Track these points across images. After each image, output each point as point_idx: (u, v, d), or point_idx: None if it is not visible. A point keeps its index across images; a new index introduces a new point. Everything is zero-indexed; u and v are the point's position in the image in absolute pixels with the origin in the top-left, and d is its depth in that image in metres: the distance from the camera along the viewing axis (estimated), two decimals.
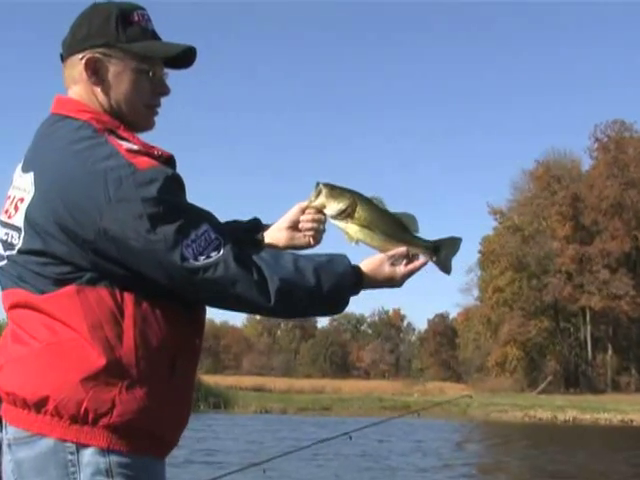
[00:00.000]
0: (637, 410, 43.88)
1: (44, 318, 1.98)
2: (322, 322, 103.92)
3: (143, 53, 2.13)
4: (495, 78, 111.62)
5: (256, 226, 2.40)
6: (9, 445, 2.00)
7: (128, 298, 1.98)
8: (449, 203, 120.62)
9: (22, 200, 2.04)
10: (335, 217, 2.28)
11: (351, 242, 2.28)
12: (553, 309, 68.16)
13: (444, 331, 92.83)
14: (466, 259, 70.47)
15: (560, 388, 63.79)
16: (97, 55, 2.11)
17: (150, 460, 2.04)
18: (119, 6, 2.14)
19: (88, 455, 1.94)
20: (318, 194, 2.29)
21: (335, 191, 2.27)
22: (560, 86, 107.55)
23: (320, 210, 2.30)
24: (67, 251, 1.96)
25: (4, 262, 2.07)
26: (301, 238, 2.36)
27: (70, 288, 1.97)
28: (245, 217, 2.43)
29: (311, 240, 2.36)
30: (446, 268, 2.35)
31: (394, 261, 2.23)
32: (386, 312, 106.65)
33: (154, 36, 2.18)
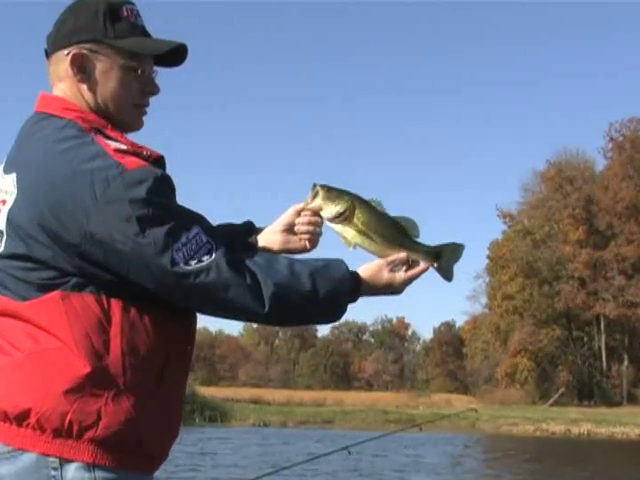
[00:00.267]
0: None
1: (26, 326, 1.98)
2: (322, 331, 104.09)
3: (132, 50, 2.13)
4: (505, 75, 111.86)
5: (249, 229, 2.41)
6: None
7: (115, 304, 1.98)
8: (455, 206, 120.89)
9: (4, 202, 2.04)
10: (332, 220, 2.28)
11: (349, 247, 2.28)
12: (565, 317, 68.12)
13: (450, 340, 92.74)
14: (474, 265, 70.57)
15: (573, 400, 63.76)
16: (84, 51, 2.11)
17: (137, 475, 2.03)
18: (107, 0, 2.14)
19: (72, 471, 1.94)
20: (315, 196, 2.29)
21: (332, 193, 2.28)
22: (573, 83, 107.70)
23: (317, 213, 2.31)
24: (51, 255, 1.96)
25: None
26: (296, 242, 2.36)
27: (54, 294, 1.97)
28: (238, 219, 2.44)
29: (307, 244, 2.36)
30: (447, 275, 2.35)
31: (393, 267, 2.24)
32: (389, 320, 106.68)
33: (143, 32, 2.18)
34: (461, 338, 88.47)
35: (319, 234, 2.37)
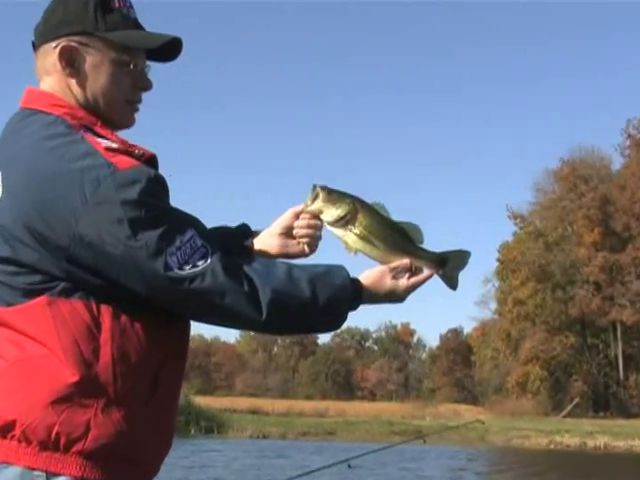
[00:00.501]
0: None
1: (11, 333, 1.99)
2: (323, 338, 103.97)
3: (124, 43, 2.13)
4: (517, 70, 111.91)
5: (244, 232, 2.42)
6: None
7: (105, 311, 1.98)
8: (464, 207, 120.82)
9: None
10: (333, 224, 2.29)
11: (350, 252, 2.29)
12: (580, 324, 68.03)
13: (458, 348, 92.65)
14: (483, 268, 70.52)
15: (588, 412, 63.63)
16: (73, 44, 2.12)
17: None
18: None
19: None
20: (315, 198, 2.30)
21: (333, 195, 2.29)
22: (588, 78, 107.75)
23: (316, 216, 2.32)
24: (38, 258, 1.97)
25: None
26: (295, 246, 2.37)
27: (41, 300, 1.97)
28: (233, 222, 2.45)
29: (306, 248, 2.37)
30: (452, 283, 2.37)
31: (396, 274, 2.26)
32: (394, 327, 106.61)
33: (136, 25, 2.19)
34: (469, 345, 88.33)
35: (319, 238, 2.38)
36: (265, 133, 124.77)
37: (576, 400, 64.60)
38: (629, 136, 68.66)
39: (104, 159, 1.97)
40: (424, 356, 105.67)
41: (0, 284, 2.01)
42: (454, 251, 2.37)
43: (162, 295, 1.98)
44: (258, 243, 2.39)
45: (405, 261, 2.27)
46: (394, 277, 2.25)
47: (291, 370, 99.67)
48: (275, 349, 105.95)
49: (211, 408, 47.04)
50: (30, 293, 1.98)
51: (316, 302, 2.08)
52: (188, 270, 1.95)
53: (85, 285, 1.98)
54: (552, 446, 43.74)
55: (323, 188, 2.30)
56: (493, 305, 74.53)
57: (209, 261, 1.97)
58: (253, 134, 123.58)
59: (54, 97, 2.14)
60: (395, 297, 2.26)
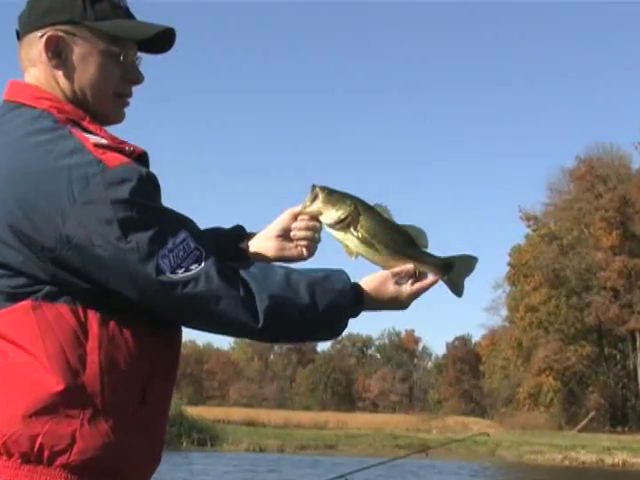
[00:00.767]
0: None
1: None
2: (322, 345, 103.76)
3: (114, 33, 2.14)
4: (531, 64, 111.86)
5: (239, 234, 2.43)
6: None
7: (93, 316, 1.99)
8: (472, 207, 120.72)
9: None
10: (333, 226, 2.30)
11: (350, 256, 2.30)
12: (597, 332, 67.98)
13: (466, 357, 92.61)
14: (493, 272, 70.55)
15: (605, 426, 63.55)
16: (60, 33, 2.12)
17: None
18: None
19: None
20: (314, 199, 2.31)
21: (334, 196, 2.30)
22: (605, 71, 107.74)
23: (315, 217, 2.33)
24: (22, 260, 1.97)
25: None
26: (292, 249, 2.39)
27: (25, 304, 1.98)
28: (227, 224, 2.46)
29: (304, 251, 2.38)
30: (458, 289, 2.38)
31: (399, 279, 2.27)
32: (397, 334, 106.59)
33: (127, 14, 2.20)
34: (478, 354, 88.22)
35: (317, 241, 2.39)
36: (262, 130, 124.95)
37: (592, 414, 64.55)
38: None
39: (93, 156, 1.97)
40: (430, 365, 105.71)
41: None
42: (460, 256, 2.39)
43: (153, 300, 1.99)
44: (253, 246, 2.40)
45: (408, 266, 2.29)
46: (397, 283, 2.26)
47: (288, 379, 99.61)
48: (271, 357, 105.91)
49: (204, 419, 46.97)
50: (13, 297, 1.98)
51: (315, 308, 2.09)
52: (181, 274, 1.96)
53: (72, 289, 1.99)
54: (567, 462, 43.60)
55: (323, 188, 2.31)
56: (504, 312, 74.47)
57: (203, 264, 1.98)
58: (249, 130, 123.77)
59: (39, 90, 2.15)
60: (398, 304, 2.28)
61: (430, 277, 2.32)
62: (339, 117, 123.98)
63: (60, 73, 2.15)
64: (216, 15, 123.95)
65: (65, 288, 1.98)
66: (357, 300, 2.19)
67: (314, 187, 2.31)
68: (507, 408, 72.85)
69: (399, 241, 2.31)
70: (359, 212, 2.29)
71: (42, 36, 2.13)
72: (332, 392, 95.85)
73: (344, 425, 60.03)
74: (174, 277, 1.95)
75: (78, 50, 2.14)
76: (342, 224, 2.29)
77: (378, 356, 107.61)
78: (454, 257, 2.37)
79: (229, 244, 2.36)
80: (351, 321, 2.20)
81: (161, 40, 2.22)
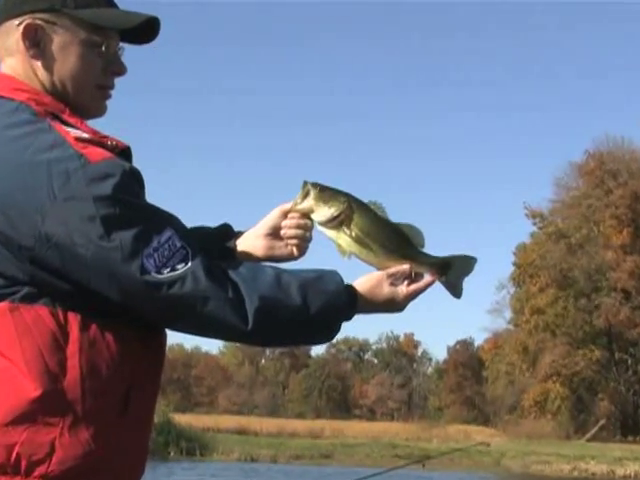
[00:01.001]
0: None
1: None
2: (317, 349, 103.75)
3: (95, 22, 2.15)
4: (534, 53, 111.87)
5: (227, 233, 2.44)
6: None
7: (73, 319, 2.00)
8: (475, 204, 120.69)
9: None
10: (325, 224, 2.32)
11: (343, 256, 2.32)
12: (606, 336, 67.93)
13: (468, 362, 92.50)
14: (497, 272, 70.58)
15: (615, 435, 63.58)
16: (39, 22, 2.13)
17: None
18: None
19: None
20: (305, 195, 2.32)
21: (326, 193, 2.31)
22: (615, 62, 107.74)
23: (307, 215, 2.34)
24: None
25: None
26: (282, 248, 2.40)
27: (2, 306, 1.99)
28: (213, 223, 2.47)
29: (294, 250, 2.40)
30: (456, 290, 2.40)
31: (394, 280, 2.28)
32: (396, 337, 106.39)
33: (109, 3, 2.21)
34: (480, 359, 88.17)
35: (309, 240, 2.40)
36: (252, 124, 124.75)
37: (602, 422, 64.55)
38: None
39: (74, 150, 1.99)
40: (430, 370, 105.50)
41: None
42: (458, 256, 2.41)
43: (137, 301, 2.00)
44: (241, 245, 2.41)
45: (404, 266, 2.30)
46: (392, 284, 2.28)
47: (281, 385, 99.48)
48: (263, 361, 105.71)
49: (192, 427, 46.90)
50: None
51: (307, 310, 2.10)
52: (167, 274, 1.97)
53: (51, 290, 2.00)
54: (576, 473, 43.47)
55: (315, 185, 2.32)
56: (508, 314, 74.41)
57: (190, 264, 2.00)
58: (237, 124, 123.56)
59: (16, 81, 2.15)
60: (393, 306, 2.29)
61: (427, 278, 2.33)
62: (333, 111, 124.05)
63: (39, 63, 2.16)
64: (207, 10, 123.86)
65: (44, 289, 1.99)
66: (351, 302, 2.20)
67: (305, 183, 2.32)
68: (512, 416, 72.81)
69: (394, 240, 2.32)
70: (352, 210, 2.30)
71: (20, 24, 2.14)
72: (327, 399, 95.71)
73: (340, 434, 59.96)
74: (159, 277, 1.97)
75: (58, 39, 2.15)
76: (335, 222, 2.30)
77: (375, 361, 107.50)
78: (452, 257, 2.39)
79: (215, 243, 2.37)
80: (347, 324, 2.22)
81: (145, 30, 2.23)
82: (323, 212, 2.31)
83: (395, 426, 72.68)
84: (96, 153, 2.00)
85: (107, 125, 2.22)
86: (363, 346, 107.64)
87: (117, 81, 2.26)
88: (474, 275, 2.41)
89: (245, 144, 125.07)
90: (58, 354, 1.98)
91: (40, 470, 1.96)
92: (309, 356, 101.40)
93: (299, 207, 2.34)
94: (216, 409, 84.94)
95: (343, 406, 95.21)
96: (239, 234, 2.44)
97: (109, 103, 2.26)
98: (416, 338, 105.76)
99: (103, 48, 2.18)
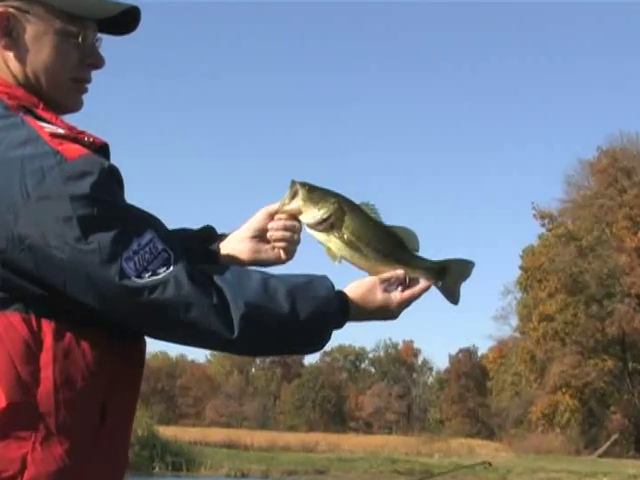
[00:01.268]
0: None
1: None
2: (310, 358, 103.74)
3: (71, 11, 2.16)
4: (546, 43, 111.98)
5: (209, 235, 2.45)
6: None
7: (47, 326, 2.01)
8: (478, 204, 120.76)
9: None
10: (314, 227, 2.33)
11: (334, 260, 2.33)
12: (620, 345, 67.95)
13: (471, 371, 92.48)
14: (502, 277, 70.43)
15: (629, 450, 63.51)
16: (10, 10, 2.14)
17: None
18: None
19: None
20: (293, 196, 2.33)
21: (315, 193, 2.32)
22: (629, 54, 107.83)
23: (295, 217, 2.36)
24: None
25: None
26: (269, 251, 2.41)
27: None
28: (195, 225, 2.47)
29: (282, 254, 2.41)
30: (453, 296, 2.42)
31: (388, 286, 2.30)
32: (394, 345, 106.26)
33: None
34: (484, 369, 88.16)
35: (297, 242, 2.42)
36: (234, 115, 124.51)
37: (614, 436, 64.50)
38: None
39: (49, 147, 2.00)
40: (430, 381, 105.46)
41: None
42: (455, 260, 2.43)
43: (116, 307, 2.00)
44: (225, 248, 2.43)
45: (398, 271, 2.32)
46: (385, 290, 2.29)
47: (272, 396, 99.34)
48: (253, 370, 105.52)
49: (179, 440, 46.79)
50: None
51: (296, 318, 2.11)
52: (147, 278, 1.98)
53: (24, 295, 2.00)
54: None
55: (303, 185, 2.33)
56: (514, 321, 74.33)
57: (172, 268, 2.01)
58: (219, 115, 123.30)
59: None
60: (387, 313, 2.30)
61: (422, 283, 2.35)
62: (327, 102, 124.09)
63: (11, 55, 2.16)
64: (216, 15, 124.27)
65: (17, 294, 2.00)
66: (342, 309, 2.21)
67: (293, 183, 2.33)
68: (518, 430, 72.78)
69: (388, 244, 2.34)
70: (343, 211, 2.31)
71: None
72: (321, 410, 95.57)
73: (335, 448, 59.93)
74: (139, 282, 1.98)
75: (31, 29, 2.15)
76: (324, 224, 2.31)
77: (372, 370, 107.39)
78: (448, 261, 2.41)
79: (198, 246, 2.38)
80: (342, 331, 2.24)
81: (124, 20, 2.24)
82: (312, 213, 2.32)
83: (394, 440, 72.64)
84: (72, 150, 2.01)
85: (83, 120, 2.22)
86: (359, 354, 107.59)
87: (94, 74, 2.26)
88: (478, 280, 2.43)
89: (226, 139, 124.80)
90: (31, 364, 1.99)
91: None
92: (302, 365, 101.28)
93: (287, 208, 2.35)
94: (203, 421, 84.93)
95: (338, 418, 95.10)
96: (222, 237, 2.45)
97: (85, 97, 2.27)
98: (416, 346, 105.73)
99: (79, 39, 2.18)
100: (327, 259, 2.33)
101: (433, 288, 2.37)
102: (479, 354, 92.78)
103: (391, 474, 43.40)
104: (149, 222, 2.07)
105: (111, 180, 2.04)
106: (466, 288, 2.43)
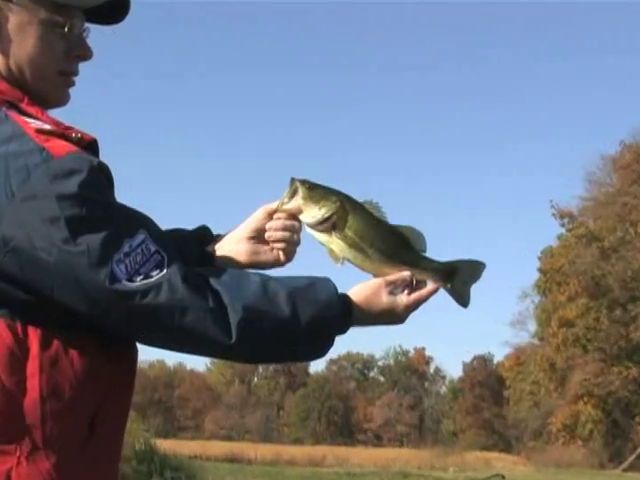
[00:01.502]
0: None
1: None
2: (315, 366, 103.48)
3: (57, 0, 2.16)
4: (564, 32, 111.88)
5: (204, 236, 2.46)
6: None
7: (33, 333, 2.01)
8: (493, 203, 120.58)
9: None
10: (315, 227, 2.33)
11: (336, 262, 2.33)
12: None
13: (486, 380, 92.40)
14: (519, 279, 70.34)
15: None
16: None
17: None
18: None
19: None
20: (293, 194, 2.33)
21: (316, 191, 2.32)
22: None
23: (295, 216, 2.36)
24: None
25: None
26: (267, 252, 2.42)
27: None
28: (190, 225, 2.48)
29: (281, 255, 2.42)
30: (463, 298, 2.42)
31: (394, 289, 2.30)
32: (405, 353, 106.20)
33: None
34: (501, 377, 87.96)
35: (297, 243, 2.42)
36: (233, 114, 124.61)
37: None
38: None
39: (35, 143, 2.00)
40: (443, 390, 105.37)
41: None
42: (464, 261, 2.43)
43: (106, 313, 2.01)
44: (222, 249, 2.43)
45: (404, 273, 2.32)
46: (391, 292, 2.29)
47: (275, 407, 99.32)
48: (255, 380, 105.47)
49: (178, 455, 46.73)
50: None
51: (297, 322, 2.12)
52: (139, 282, 1.98)
53: (9, 301, 2.01)
54: None
55: (303, 182, 2.33)
56: (532, 326, 74.30)
57: (165, 270, 2.01)
58: (217, 114, 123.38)
59: None
60: (392, 317, 2.30)
61: (430, 286, 2.35)
62: (329, 103, 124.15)
63: None
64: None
65: (1, 300, 2.00)
66: (345, 313, 2.21)
67: (293, 180, 2.34)
68: (537, 442, 72.68)
69: (393, 244, 2.34)
70: (346, 210, 2.32)
71: None
72: (327, 422, 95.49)
73: (344, 462, 59.90)
74: (131, 285, 1.98)
75: (14, 19, 2.16)
76: (326, 224, 2.31)
77: (382, 379, 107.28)
78: (457, 262, 2.41)
79: (193, 248, 2.39)
80: (349, 337, 2.24)
81: (113, 9, 2.25)
82: (313, 213, 2.32)
83: (405, 453, 72.60)
84: (59, 146, 2.01)
85: (71, 117, 2.23)
86: (368, 362, 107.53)
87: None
88: (493, 283, 2.45)
89: (224, 138, 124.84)
90: (16, 373, 1.99)
91: None
92: (307, 374, 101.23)
93: (286, 207, 2.36)
94: (202, 434, 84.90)
95: (345, 430, 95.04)
96: (218, 238, 2.46)
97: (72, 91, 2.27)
98: (428, 353, 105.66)
99: (66, 29, 2.18)
100: (329, 261, 2.33)
101: (442, 291, 2.37)
102: (495, 362, 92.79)
103: None
104: (141, 222, 2.07)
105: (100, 178, 2.04)
106: (481, 292, 2.44)
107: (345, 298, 2.23)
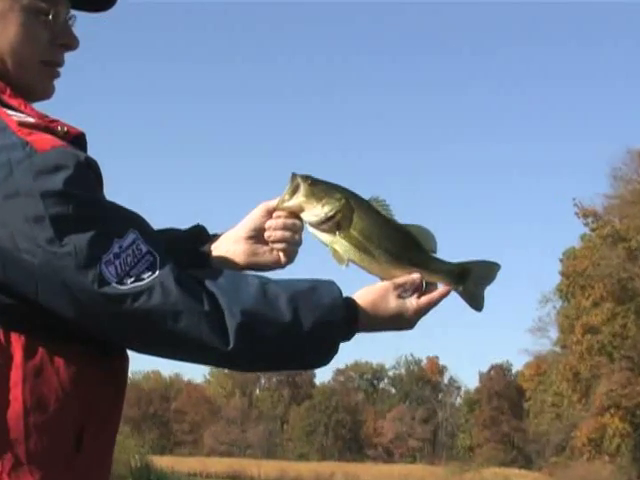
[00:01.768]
0: None
1: None
2: (321, 377, 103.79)
3: None
4: (588, 25, 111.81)
5: (199, 236, 2.46)
6: None
7: (16, 341, 2.02)
8: (513, 202, 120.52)
9: None
10: (318, 226, 2.33)
11: (341, 263, 2.33)
12: None
13: (505, 391, 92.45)
14: (540, 283, 70.23)
15: None
16: None
17: None
18: None
19: None
20: (294, 191, 2.33)
21: (319, 188, 2.32)
22: None
23: (296, 214, 2.36)
24: None
25: None
26: (267, 253, 2.42)
27: None
28: (185, 224, 2.48)
29: (281, 256, 2.42)
30: (477, 301, 2.42)
31: (402, 292, 2.30)
32: (417, 362, 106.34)
33: None
34: (520, 388, 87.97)
35: (298, 243, 2.42)
36: (232, 112, 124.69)
37: None
38: None
39: (17, 137, 2.01)
40: (459, 402, 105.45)
41: None
42: (477, 261, 2.43)
43: (94, 317, 2.01)
44: (218, 250, 2.43)
45: (413, 275, 2.32)
46: (399, 296, 2.29)
47: (279, 420, 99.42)
48: (257, 391, 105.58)
49: (176, 472, 46.76)
50: None
51: (299, 327, 2.12)
52: (130, 284, 1.99)
53: None
54: None
55: (305, 178, 2.33)
56: (554, 333, 74.20)
57: (158, 272, 2.02)
58: (210, 106, 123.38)
59: None
60: (402, 322, 2.30)
61: (441, 288, 2.35)
62: (331, 91, 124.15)
63: None
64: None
65: None
66: (350, 318, 2.21)
67: (294, 176, 2.33)
68: (560, 457, 72.55)
69: (401, 245, 2.34)
70: (351, 208, 2.31)
71: None
72: (335, 437, 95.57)
73: (353, 479, 59.97)
74: (121, 288, 1.98)
75: None
76: (329, 223, 2.31)
77: (393, 390, 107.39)
78: (469, 263, 2.41)
79: (187, 248, 2.39)
80: (356, 346, 2.23)
81: None
82: (315, 211, 2.32)
83: (418, 469, 72.66)
84: (44, 141, 2.02)
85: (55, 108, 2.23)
86: (377, 372, 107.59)
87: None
88: (512, 287, 2.45)
89: (223, 134, 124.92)
90: None
91: None
92: (313, 385, 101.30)
93: (287, 205, 2.36)
94: (201, 450, 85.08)
95: (354, 445, 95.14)
96: (215, 237, 2.46)
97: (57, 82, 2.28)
98: (442, 362, 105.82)
99: (50, 16, 2.19)
100: (333, 262, 2.33)
101: (454, 294, 2.37)
102: (514, 371, 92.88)
103: None
104: (132, 221, 2.08)
105: (88, 175, 2.04)
106: (497, 295, 2.43)
107: (350, 302, 2.23)
